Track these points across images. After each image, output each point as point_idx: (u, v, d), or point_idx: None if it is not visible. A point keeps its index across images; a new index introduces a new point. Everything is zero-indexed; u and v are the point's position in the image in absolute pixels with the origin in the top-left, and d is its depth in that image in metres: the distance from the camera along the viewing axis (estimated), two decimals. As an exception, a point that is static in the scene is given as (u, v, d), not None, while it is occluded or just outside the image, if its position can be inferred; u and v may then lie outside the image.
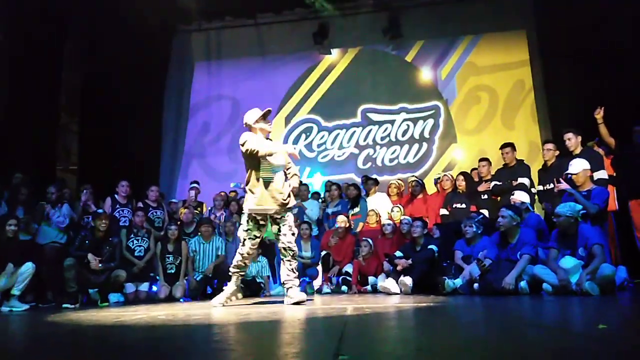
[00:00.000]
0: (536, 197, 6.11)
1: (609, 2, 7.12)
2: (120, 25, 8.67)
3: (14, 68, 7.86)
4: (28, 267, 5.50)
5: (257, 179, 4.36)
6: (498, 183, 6.18)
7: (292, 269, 4.40)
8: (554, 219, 4.62)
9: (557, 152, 5.87)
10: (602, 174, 5.22)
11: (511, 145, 6.36)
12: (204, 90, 10.32)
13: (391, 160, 9.48)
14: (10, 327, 3.39)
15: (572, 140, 5.44)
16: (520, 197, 5.43)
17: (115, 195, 7.03)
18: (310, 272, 6.98)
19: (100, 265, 5.78)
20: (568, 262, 4.38)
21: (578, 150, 5.41)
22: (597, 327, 2.12)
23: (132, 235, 6.57)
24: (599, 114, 5.48)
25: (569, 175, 4.96)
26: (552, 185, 5.40)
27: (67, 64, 9.18)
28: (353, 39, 9.89)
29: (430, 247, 5.77)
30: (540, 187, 5.94)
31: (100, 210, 6.23)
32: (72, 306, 5.43)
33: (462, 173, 6.81)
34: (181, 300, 6.13)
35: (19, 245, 5.80)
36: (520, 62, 9.28)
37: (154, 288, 6.63)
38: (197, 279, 6.46)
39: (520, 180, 5.98)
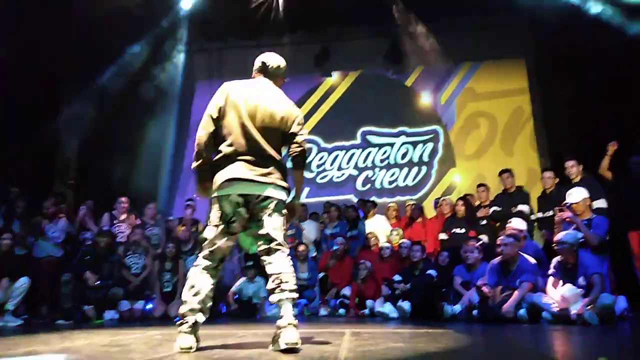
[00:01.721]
0: (535, 224, 6.11)
1: (607, 32, 7.24)
2: (121, 42, 8.77)
3: (12, 82, 7.90)
4: (23, 282, 5.48)
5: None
6: (497, 209, 6.19)
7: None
8: (556, 247, 4.60)
9: (557, 180, 5.91)
10: (601, 203, 5.23)
11: (509, 171, 6.41)
12: (205, 109, 10.35)
13: (390, 183, 9.50)
14: (2, 345, 3.34)
15: (574, 169, 5.48)
16: (517, 225, 5.41)
17: (113, 212, 7.02)
18: (307, 294, 6.91)
19: (98, 282, 5.75)
20: (568, 290, 4.36)
21: (578, 179, 5.43)
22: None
23: (129, 252, 6.54)
24: (612, 148, 5.49)
25: (568, 204, 4.97)
26: (552, 213, 5.40)
27: (67, 77, 9.22)
28: (354, 62, 10.00)
29: (429, 272, 5.75)
30: (540, 214, 5.95)
31: (105, 228, 6.23)
32: (67, 322, 5.37)
33: (462, 198, 6.82)
34: (176, 319, 6.06)
35: (14, 259, 5.77)
36: (519, 89, 9.38)
37: (149, 306, 6.55)
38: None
39: (520, 207, 5.99)
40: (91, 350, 2.66)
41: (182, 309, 2.60)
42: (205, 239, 2.65)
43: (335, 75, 10.10)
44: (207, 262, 2.62)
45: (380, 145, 9.73)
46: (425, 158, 9.51)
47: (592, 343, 3.02)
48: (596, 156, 5.69)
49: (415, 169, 9.50)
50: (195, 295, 2.57)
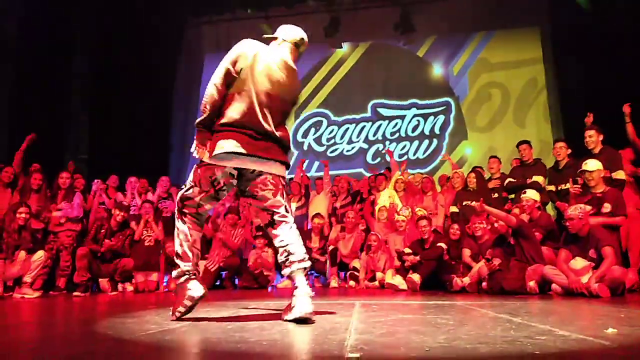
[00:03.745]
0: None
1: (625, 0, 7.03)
2: (131, 16, 8.70)
3: (24, 58, 7.91)
4: (40, 255, 5.58)
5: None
6: (512, 180, 6.14)
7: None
8: (566, 222, 4.57)
9: (569, 151, 5.81)
10: (620, 175, 5.11)
11: (528, 142, 6.34)
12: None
13: (401, 156, 9.46)
14: (23, 316, 3.45)
15: (594, 138, 5.32)
16: (531, 196, 5.38)
17: (125, 189, 7.19)
18: (318, 266, 6.99)
19: (112, 255, 5.83)
20: (578, 263, 4.36)
21: (598, 150, 5.30)
22: (606, 331, 2.11)
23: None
24: (627, 110, 5.36)
25: (583, 172, 4.90)
26: (566, 186, 5.32)
27: (78, 54, 9.21)
28: (364, 33, 9.85)
29: (439, 244, 5.76)
30: (552, 187, 5.88)
31: (120, 202, 6.31)
32: (82, 295, 5.50)
33: (473, 170, 6.78)
34: (177, 278, 6.18)
35: (31, 233, 5.86)
36: (533, 59, 9.22)
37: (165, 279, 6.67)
38: (212, 269, 6.52)
39: (535, 178, 5.92)
40: (108, 322, 2.72)
41: (182, 265, 2.64)
42: (189, 199, 2.59)
43: (346, 47, 9.97)
44: (195, 220, 2.62)
45: (391, 118, 9.67)
46: (437, 130, 9.44)
47: (601, 315, 3.02)
48: (611, 129, 5.57)
49: (426, 142, 9.44)
50: (190, 248, 2.62)
